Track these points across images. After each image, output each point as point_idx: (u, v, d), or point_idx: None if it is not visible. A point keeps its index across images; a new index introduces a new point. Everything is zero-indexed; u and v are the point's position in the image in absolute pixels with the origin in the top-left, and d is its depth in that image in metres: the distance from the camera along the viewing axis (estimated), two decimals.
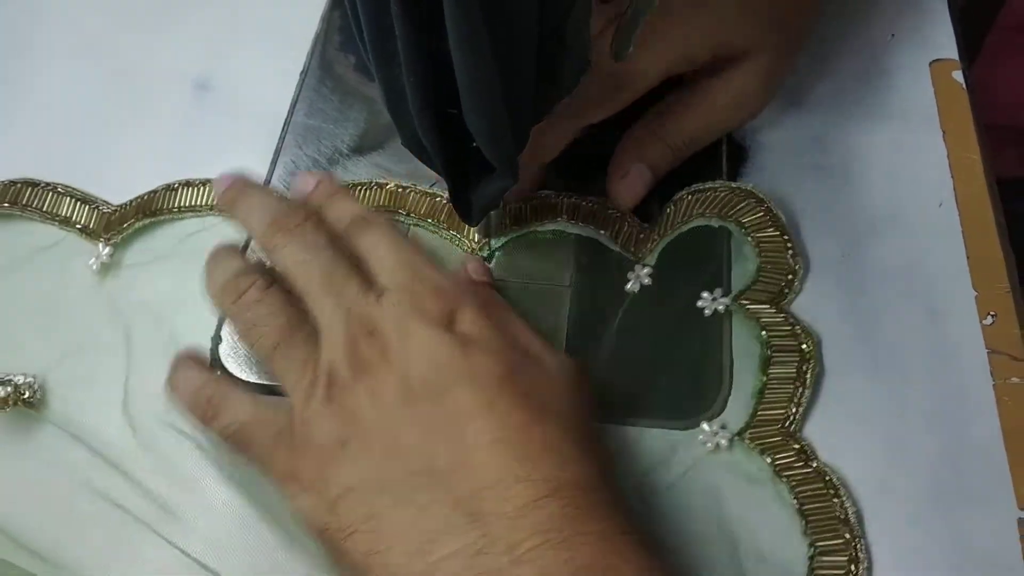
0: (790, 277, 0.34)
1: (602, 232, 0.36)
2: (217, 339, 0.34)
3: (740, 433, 0.31)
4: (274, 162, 0.39)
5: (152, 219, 0.37)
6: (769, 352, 0.33)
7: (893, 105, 0.40)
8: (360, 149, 0.40)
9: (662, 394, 0.32)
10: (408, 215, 0.37)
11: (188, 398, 0.30)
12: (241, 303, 0.30)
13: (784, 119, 0.39)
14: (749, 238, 0.35)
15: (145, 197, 0.38)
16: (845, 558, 0.29)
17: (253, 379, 0.33)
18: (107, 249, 0.37)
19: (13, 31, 0.45)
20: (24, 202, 0.38)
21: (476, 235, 0.36)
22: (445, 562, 0.24)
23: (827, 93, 0.39)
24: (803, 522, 0.30)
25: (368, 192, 0.38)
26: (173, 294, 0.36)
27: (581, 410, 0.28)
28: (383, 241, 0.30)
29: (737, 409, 0.32)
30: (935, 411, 0.32)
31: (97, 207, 0.38)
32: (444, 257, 0.36)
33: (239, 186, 0.33)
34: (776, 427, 0.31)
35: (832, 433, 0.32)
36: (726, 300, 0.34)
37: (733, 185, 0.36)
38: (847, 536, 0.29)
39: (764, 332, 0.33)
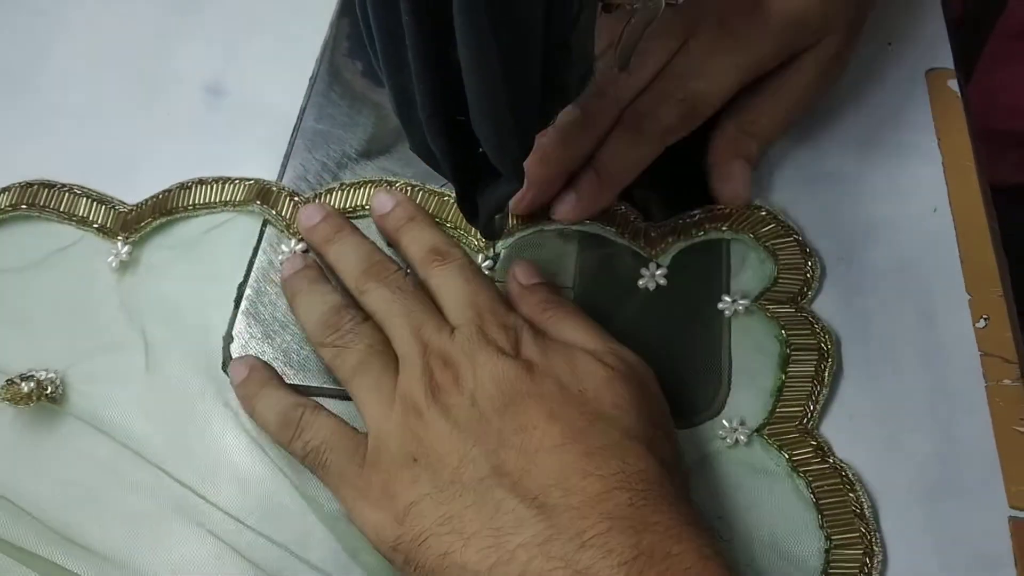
0: (808, 277, 0.35)
1: (609, 228, 0.37)
2: (229, 338, 0.35)
3: (759, 429, 0.32)
4: (284, 165, 0.40)
5: (168, 217, 0.38)
6: (788, 351, 0.33)
7: (889, 113, 0.40)
8: (368, 153, 0.40)
9: (670, 390, 0.33)
10: None
11: (276, 419, 0.32)
12: (336, 335, 0.32)
13: None
14: (764, 246, 0.36)
15: (160, 196, 0.39)
16: (860, 551, 0.30)
17: None
18: (126, 248, 0.37)
19: (32, 37, 0.46)
20: (42, 203, 0.39)
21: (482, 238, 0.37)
22: (517, 551, 0.26)
23: (825, 101, 0.40)
24: (819, 516, 0.31)
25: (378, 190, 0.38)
26: (190, 290, 0.36)
27: (643, 406, 0.29)
28: (450, 281, 0.33)
29: (756, 406, 0.33)
30: (928, 411, 0.33)
31: (113, 207, 0.39)
32: None
33: (333, 226, 0.36)
34: (794, 424, 0.32)
35: (834, 432, 0.32)
36: (745, 301, 0.35)
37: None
38: (862, 530, 0.30)
39: (783, 331, 0.34)
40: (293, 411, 0.32)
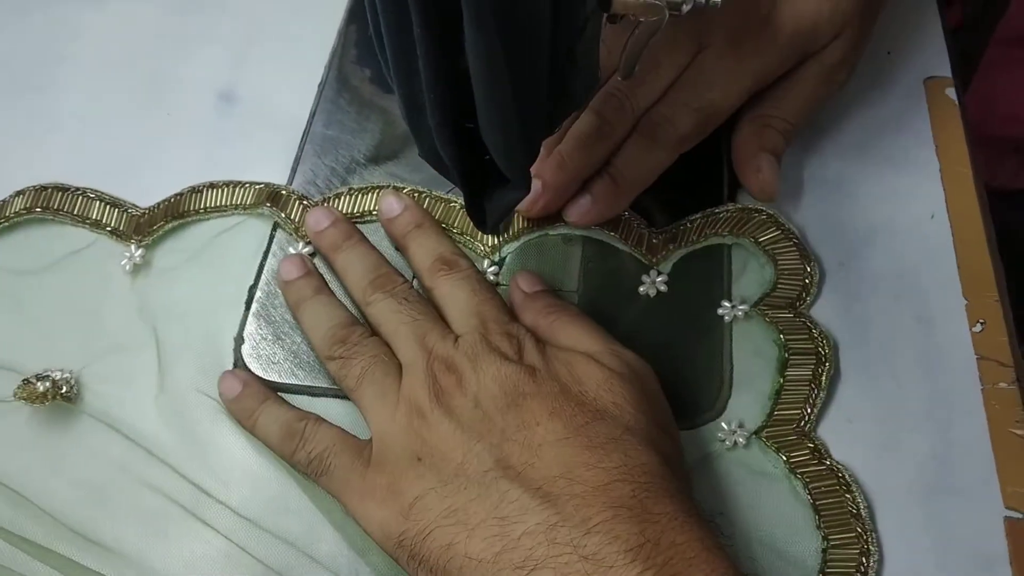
0: (807, 282, 0.36)
1: (612, 234, 0.37)
2: (240, 340, 0.36)
3: (757, 432, 0.33)
4: (293, 170, 0.41)
5: (180, 220, 0.39)
6: (787, 355, 0.34)
7: (888, 120, 0.41)
8: (376, 159, 0.41)
9: (670, 394, 0.33)
10: None
11: (279, 431, 0.32)
12: (343, 348, 0.33)
13: None
14: (764, 251, 0.37)
15: (172, 199, 0.39)
16: (857, 551, 0.30)
17: (274, 378, 0.35)
18: (139, 251, 0.38)
19: (47, 42, 0.46)
20: (56, 206, 0.39)
21: (487, 240, 0.38)
22: (522, 539, 0.26)
23: (824, 109, 0.40)
24: (816, 517, 0.31)
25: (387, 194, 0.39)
26: (202, 292, 0.37)
27: (643, 405, 0.30)
28: (456, 291, 0.34)
29: (755, 409, 0.33)
30: (925, 414, 0.33)
31: (126, 210, 0.39)
32: None
33: (342, 233, 0.37)
34: (792, 426, 0.33)
35: (832, 433, 0.33)
36: (745, 307, 0.35)
37: (743, 206, 0.38)
38: (859, 530, 0.31)
39: (782, 336, 0.34)
40: (296, 423, 0.32)
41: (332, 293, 0.36)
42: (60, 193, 0.40)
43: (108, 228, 0.39)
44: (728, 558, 0.26)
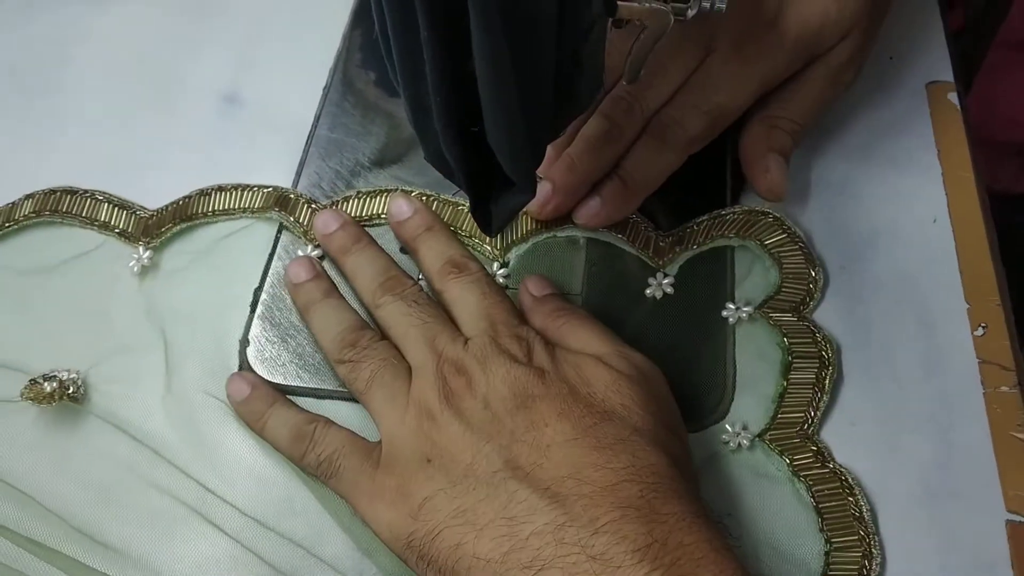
0: (811, 287, 0.36)
1: (619, 236, 0.38)
2: (245, 342, 0.36)
3: (761, 434, 0.33)
4: (298, 173, 0.41)
5: (188, 223, 0.39)
6: (790, 358, 0.34)
7: (891, 124, 0.41)
8: (381, 162, 0.41)
9: (676, 395, 0.33)
10: None
11: (289, 434, 0.32)
12: (353, 352, 0.33)
13: None
14: (769, 254, 0.37)
15: (181, 202, 0.39)
16: (859, 554, 0.30)
17: (279, 381, 0.35)
18: (147, 253, 0.38)
19: (53, 46, 0.47)
20: (64, 209, 0.39)
21: (495, 242, 0.38)
22: (530, 539, 0.26)
23: (828, 113, 0.41)
24: (819, 519, 0.31)
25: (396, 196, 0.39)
26: (209, 295, 0.37)
27: (651, 406, 0.30)
28: (466, 294, 0.34)
29: (758, 412, 0.34)
30: (927, 417, 0.33)
31: (134, 212, 0.39)
32: None
33: (351, 236, 0.37)
34: (795, 429, 0.33)
35: (835, 436, 0.33)
36: (749, 309, 0.35)
37: (749, 208, 0.38)
38: (861, 533, 0.31)
39: (785, 339, 0.35)
40: (306, 426, 0.33)
41: (341, 296, 0.36)
42: (69, 196, 0.40)
43: (116, 230, 0.39)
44: (736, 559, 0.26)
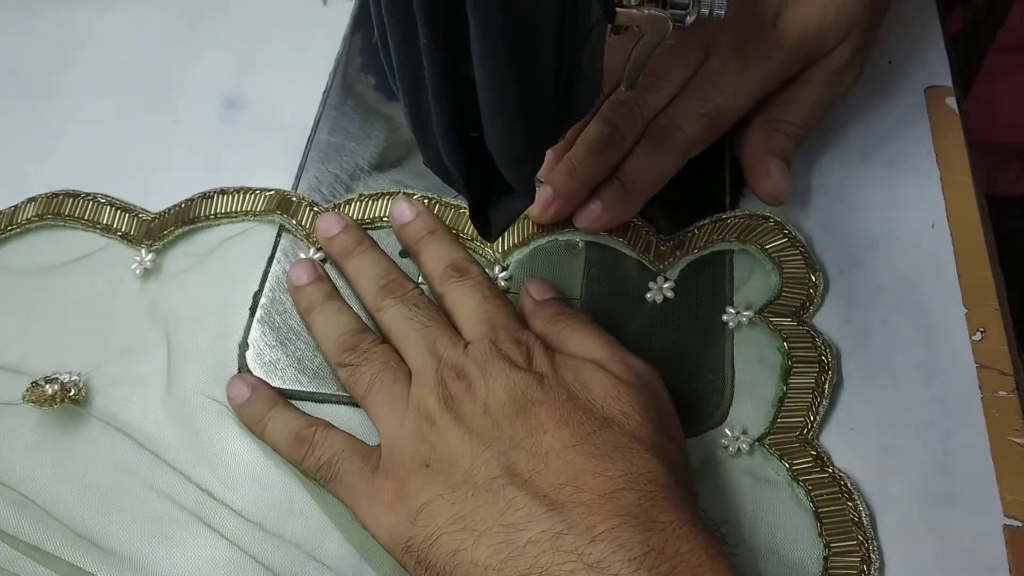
0: (811, 291, 0.36)
1: (621, 240, 0.38)
2: (244, 345, 0.36)
3: (760, 439, 0.33)
4: (298, 177, 0.41)
5: (190, 226, 0.39)
6: (790, 363, 0.34)
7: (889, 129, 0.41)
8: (380, 166, 0.41)
9: (675, 400, 0.33)
10: None
11: (289, 437, 0.32)
12: (354, 355, 0.33)
13: None
14: (770, 258, 0.37)
15: (183, 205, 0.40)
16: (858, 559, 0.30)
17: (278, 384, 0.35)
18: (149, 255, 0.38)
19: (55, 48, 0.47)
20: (67, 212, 0.39)
21: (496, 246, 0.38)
22: (528, 546, 0.26)
23: (827, 117, 0.41)
24: (818, 524, 0.31)
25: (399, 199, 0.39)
26: (211, 298, 0.37)
27: (650, 412, 0.30)
28: (468, 298, 0.34)
29: (758, 416, 0.34)
30: (925, 421, 0.33)
31: (137, 215, 0.39)
32: None
33: (353, 239, 0.37)
34: (795, 434, 0.33)
35: (834, 441, 0.33)
36: (749, 313, 0.36)
37: (750, 212, 0.38)
38: (860, 538, 0.31)
39: (785, 344, 0.35)
40: (306, 429, 0.33)
41: (343, 299, 0.36)
42: (71, 199, 0.40)
43: (119, 233, 0.39)
44: (733, 567, 0.26)
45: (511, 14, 0.24)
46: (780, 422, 0.33)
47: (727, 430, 0.33)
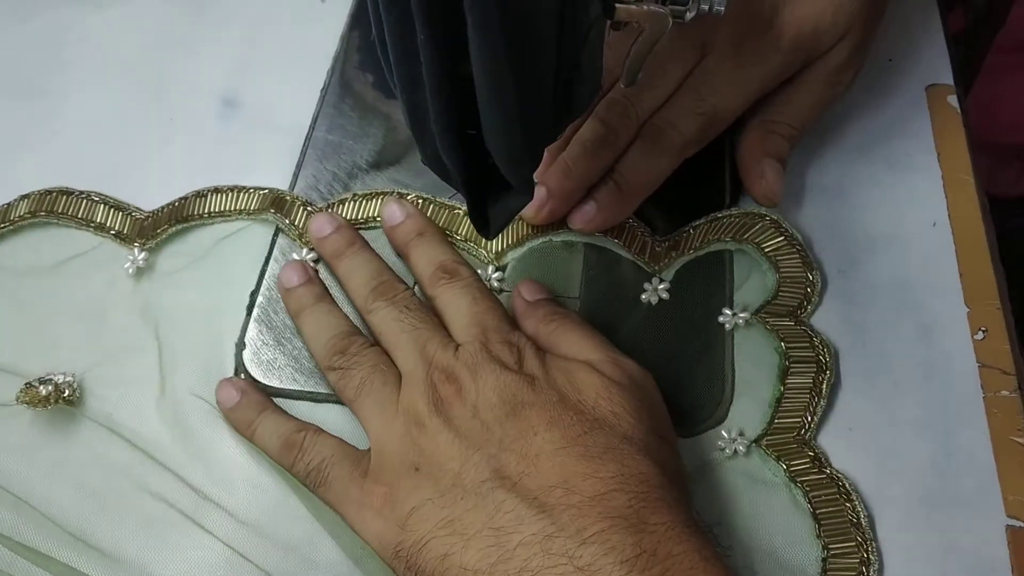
0: (808, 291, 0.36)
1: (616, 240, 0.37)
2: (241, 345, 0.36)
3: (757, 440, 0.33)
4: (296, 175, 0.41)
5: (184, 224, 0.39)
6: (787, 363, 0.34)
7: (890, 127, 0.41)
8: (378, 164, 0.41)
9: (671, 401, 0.33)
10: None
11: (279, 443, 0.32)
12: (343, 359, 0.33)
13: None
14: (767, 257, 0.37)
15: (176, 203, 0.39)
16: (856, 560, 0.30)
17: (275, 384, 0.35)
18: (142, 254, 0.38)
19: (51, 47, 0.46)
20: (60, 210, 0.39)
21: (491, 246, 0.38)
22: (518, 550, 0.26)
23: (826, 115, 0.41)
24: (816, 525, 0.31)
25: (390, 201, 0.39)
26: (204, 297, 0.37)
27: (641, 414, 0.30)
28: (458, 300, 0.34)
29: (755, 417, 0.33)
30: (927, 422, 0.33)
31: (130, 214, 0.39)
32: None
33: (345, 240, 0.37)
34: (792, 435, 0.33)
35: (835, 441, 0.33)
36: (745, 314, 0.35)
37: (746, 210, 0.38)
38: (859, 539, 0.31)
39: (782, 344, 0.34)
40: (295, 434, 0.32)
41: (333, 301, 0.36)
42: (65, 197, 0.40)
43: (112, 232, 0.39)
44: (726, 569, 0.26)
45: (510, 13, 0.23)
46: (777, 423, 0.33)
47: (723, 432, 0.33)
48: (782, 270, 0.36)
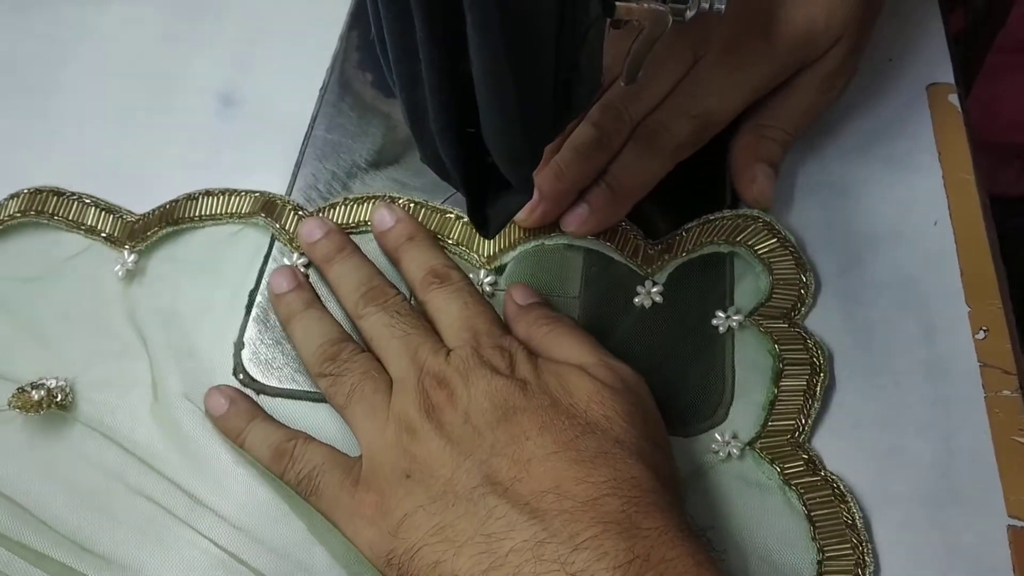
0: (802, 292, 0.36)
1: (608, 244, 0.37)
2: (240, 344, 0.36)
3: (751, 443, 0.33)
4: (295, 175, 0.41)
5: (174, 227, 0.38)
6: (781, 365, 0.34)
7: (890, 126, 0.41)
8: (377, 163, 0.41)
9: (666, 404, 0.33)
10: None
11: (269, 451, 0.32)
12: (333, 365, 0.33)
13: None
14: (760, 259, 0.36)
15: (167, 206, 0.39)
16: (852, 562, 0.30)
17: (274, 383, 0.35)
18: (132, 257, 0.37)
19: (49, 45, 0.46)
20: (50, 211, 0.39)
21: (482, 250, 0.37)
22: (509, 556, 0.26)
23: (827, 114, 0.40)
24: (811, 528, 0.31)
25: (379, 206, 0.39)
26: (196, 300, 0.37)
27: (634, 418, 0.29)
28: (448, 304, 0.33)
29: (748, 420, 0.33)
30: (928, 421, 0.33)
31: (121, 216, 0.39)
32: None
33: (335, 245, 0.36)
34: (786, 437, 0.33)
35: (834, 442, 0.33)
36: (739, 317, 0.35)
37: (739, 212, 0.38)
38: (854, 541, 0.30)
39: (776, 346, 0.34)
40: (286, 443, 0.32)
41: (323, 307, 0.36)
42: (55, 197, 0.39)
43: (103, 234, 0.39)
44: (720, 573, 0.26)
45: (509, 12, 0.23)
46: (771, 425, 0.33)
47: (717, 434, 0.33)
48: (775, 272, 0.36)
